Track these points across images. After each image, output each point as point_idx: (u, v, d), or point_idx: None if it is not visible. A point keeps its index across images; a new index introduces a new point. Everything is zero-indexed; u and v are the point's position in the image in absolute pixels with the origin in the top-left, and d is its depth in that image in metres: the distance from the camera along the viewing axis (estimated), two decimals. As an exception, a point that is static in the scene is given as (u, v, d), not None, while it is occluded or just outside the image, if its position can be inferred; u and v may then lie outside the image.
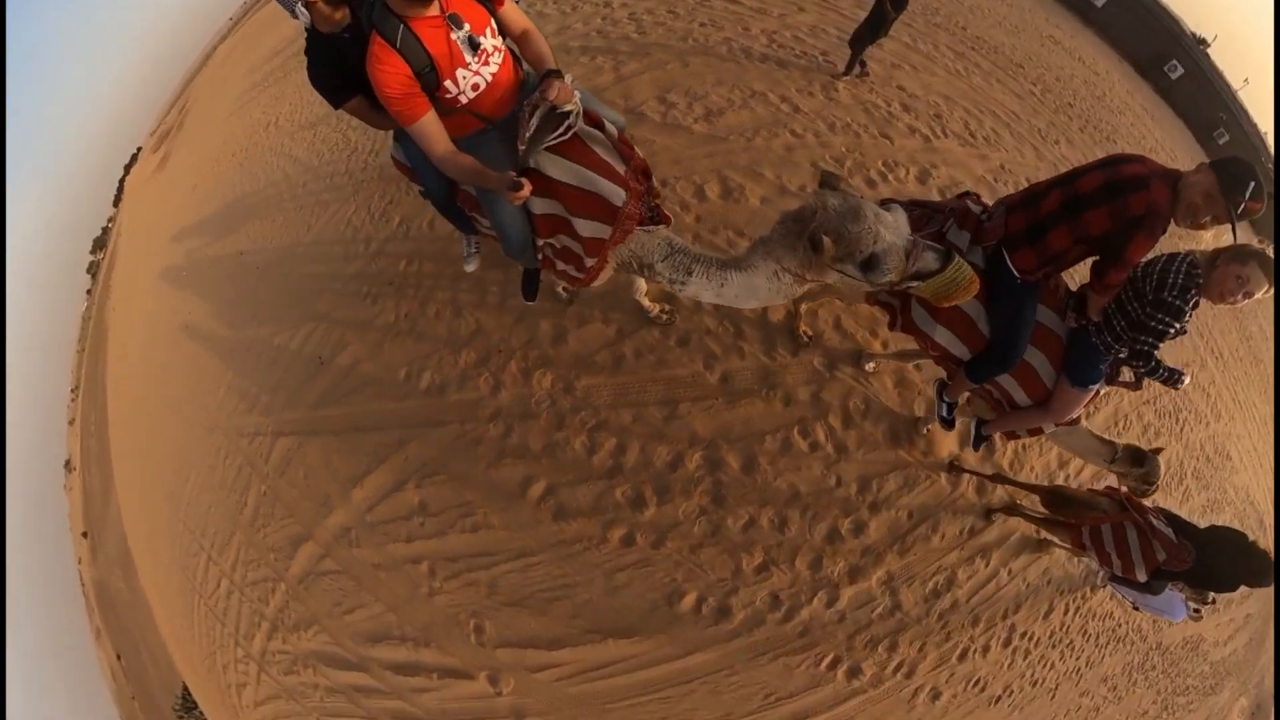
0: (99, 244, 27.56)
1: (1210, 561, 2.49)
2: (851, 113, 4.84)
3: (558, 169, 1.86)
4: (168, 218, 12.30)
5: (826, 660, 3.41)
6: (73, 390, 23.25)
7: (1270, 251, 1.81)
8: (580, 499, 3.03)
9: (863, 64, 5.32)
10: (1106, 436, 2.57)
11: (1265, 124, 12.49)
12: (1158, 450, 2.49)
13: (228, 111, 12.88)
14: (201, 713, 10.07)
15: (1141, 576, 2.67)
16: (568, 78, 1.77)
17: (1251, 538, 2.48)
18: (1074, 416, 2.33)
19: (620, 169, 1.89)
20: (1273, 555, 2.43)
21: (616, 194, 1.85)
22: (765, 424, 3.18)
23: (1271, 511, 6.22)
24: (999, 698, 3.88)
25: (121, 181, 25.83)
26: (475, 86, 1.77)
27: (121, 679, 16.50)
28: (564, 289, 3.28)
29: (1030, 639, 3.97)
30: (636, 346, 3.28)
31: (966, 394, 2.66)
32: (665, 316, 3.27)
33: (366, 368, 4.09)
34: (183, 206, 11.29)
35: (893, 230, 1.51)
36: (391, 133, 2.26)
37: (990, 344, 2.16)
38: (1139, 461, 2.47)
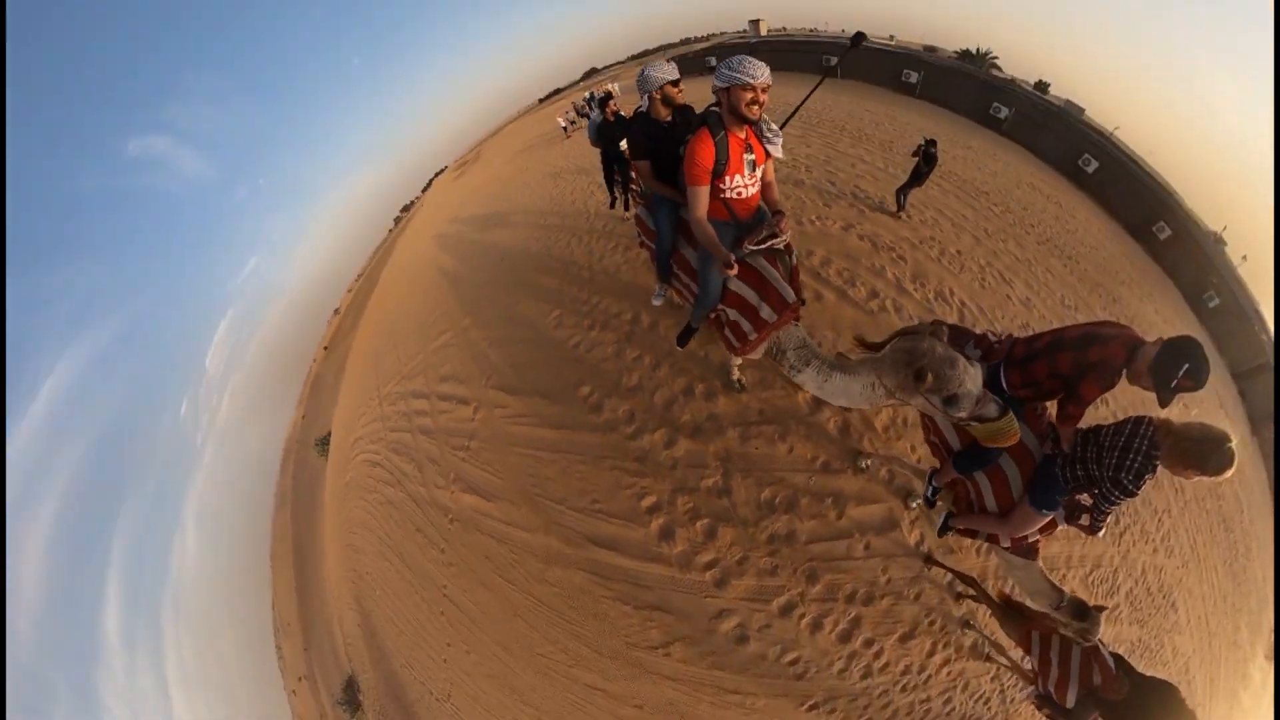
0: (405, 208, 53.06)
1: (1141, 708, 2.49)
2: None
3: (762, 267, 2.68)
4: (452, 206, 19.65)
5: (648, 501, 3.87)
6: (335, 310, 39.97)
7: (1232, 445, 1.89)
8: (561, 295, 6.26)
9: (902, 204, 6.91)
10: (1057, 584, 2.72)
11: (1263, 299, 13.11)
12: (1100, 609, 2.62)
13: (504, 160, 21.02)
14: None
15: (1070, 700, 2.71)
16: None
17: (1191, 706, 2.46)
18: (1029, 538, 2.66)
19: (787, 283, 2.69)
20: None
21: (789, 294, 2.66)
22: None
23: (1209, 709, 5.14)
24: (815, 705, 3.28)
25: (430, 180, 48.07)
26: (739, 192, 2.64)
27: (288, 536, 19.30)
28: (738, 379, 4.23)
29: (876, 654, 3.34)
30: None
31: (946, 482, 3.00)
32: (740, 385, 4.21)
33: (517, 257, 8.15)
34: (464, 200, 18.25)
35: (973, 381, 1.96)
36: (643, 204, 3.37)
37: (975, 442, 2.52)
38: (1081, 615, 2.61)
